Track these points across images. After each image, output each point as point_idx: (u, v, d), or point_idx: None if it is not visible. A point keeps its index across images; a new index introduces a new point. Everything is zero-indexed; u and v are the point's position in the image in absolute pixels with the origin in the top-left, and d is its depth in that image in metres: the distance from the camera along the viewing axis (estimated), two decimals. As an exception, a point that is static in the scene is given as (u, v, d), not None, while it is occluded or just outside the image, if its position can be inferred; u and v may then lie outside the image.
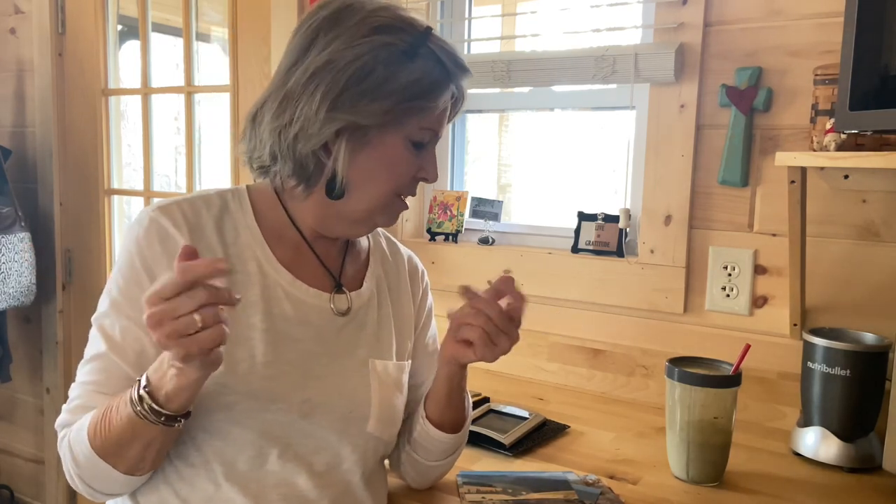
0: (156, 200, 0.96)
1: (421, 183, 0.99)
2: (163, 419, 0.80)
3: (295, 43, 0.93)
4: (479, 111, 1.90)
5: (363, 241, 1.09)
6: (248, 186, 1.01)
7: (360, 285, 1.04)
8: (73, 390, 0.91)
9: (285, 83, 0.91)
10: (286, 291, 0.96)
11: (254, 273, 0.94)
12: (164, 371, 0.79)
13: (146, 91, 2.28)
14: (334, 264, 1.02)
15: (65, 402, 0.92)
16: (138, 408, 0.80)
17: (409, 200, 1.01)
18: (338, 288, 1.00)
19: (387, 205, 0.96)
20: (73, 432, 0.88)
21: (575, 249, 1.64)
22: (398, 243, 1.15)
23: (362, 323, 1.01)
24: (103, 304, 0.92)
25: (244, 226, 0.96)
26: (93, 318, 0.92)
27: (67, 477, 0.90)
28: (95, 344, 0.91)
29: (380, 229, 1.12)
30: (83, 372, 0.91)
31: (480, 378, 1.65)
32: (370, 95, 0.88)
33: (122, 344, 0.89)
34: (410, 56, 0.89)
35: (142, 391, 0.80)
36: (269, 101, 0.92)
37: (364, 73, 0.87)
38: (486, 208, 1.77)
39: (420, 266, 1.15)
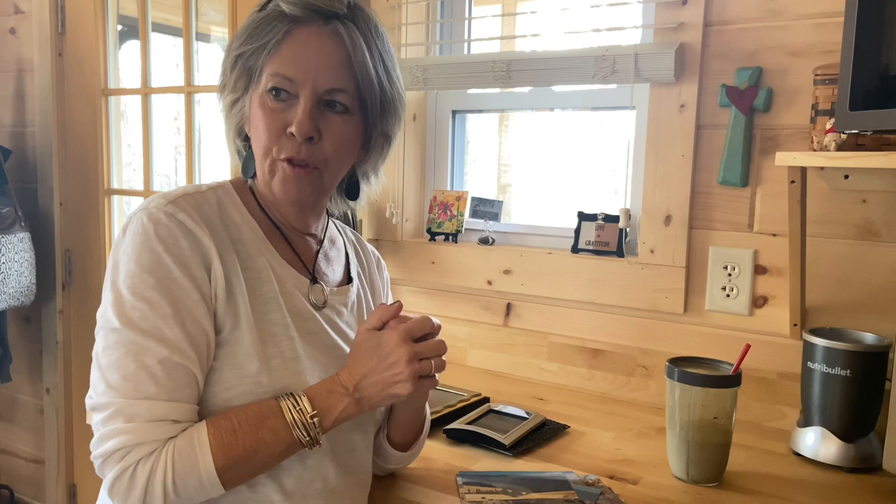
0: (155, 197, 0.89)
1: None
2: (316, 444, 0.85)
3: None
4: (479, 111, 1.90)
5: (338, 238, 1.10)
6: (230, 182, 0.99)
7: (349, 280, 1.07)
8: (129, 407, 0.79)
9: None
10: (295, 286, 0.96)
11: (265, 269, 0.94)
12: (337, 399, 0.86)
13: (146, 91, 2.27)
14: (309, 259, 1.01)
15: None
16: (306, 438, 0.84)
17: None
18: (313, 281, 0.99)
19: (270, 171, 0.92)
20: (174, 452, 0.80)
21: (575, 249, 1.64)
22: (359, 236, 1.19)
23: (358, 314, 1.06)
24: (130, 311, 0.82)
25: (243, 221, 0.95)
26: (110, 329, 0.82)
27: (153, 494, 0.80)
28: (139, 354, 0.81)
29: (345, 228, 1.14)
30: (127, 388, 0.80)
31: (480, 378, 1.65)
32: (225, 64, 0.94)
33: (183, 347, 0.82)
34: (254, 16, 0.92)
35: (311, 419, 0.84)
36: None
37: (226, 51, 0.94)
38: (486, 208, 1.77)
39: (380, 257, 1.19)
